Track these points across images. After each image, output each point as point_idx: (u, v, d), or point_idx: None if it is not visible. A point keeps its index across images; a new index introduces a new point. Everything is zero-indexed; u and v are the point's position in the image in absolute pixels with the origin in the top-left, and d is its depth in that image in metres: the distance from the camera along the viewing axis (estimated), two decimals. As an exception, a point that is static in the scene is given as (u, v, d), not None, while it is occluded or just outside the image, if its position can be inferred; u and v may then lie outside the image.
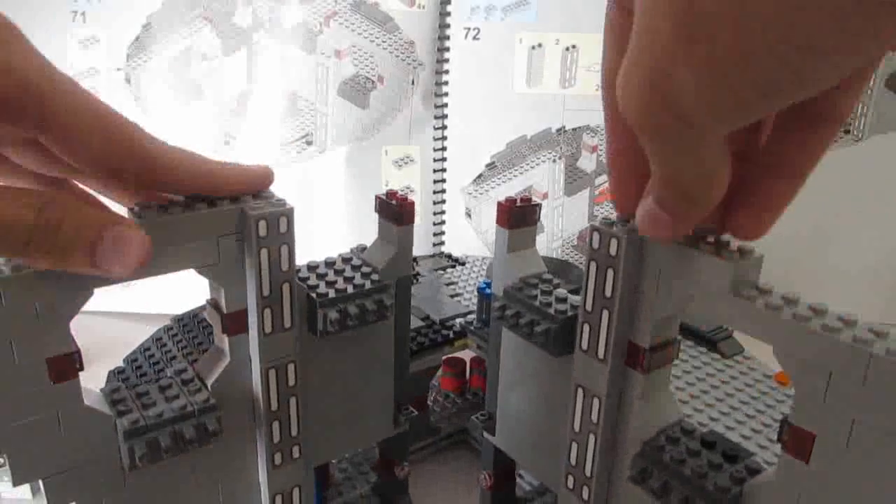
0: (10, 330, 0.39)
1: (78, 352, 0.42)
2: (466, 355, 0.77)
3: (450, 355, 0.74)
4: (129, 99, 1.02)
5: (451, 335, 0.71)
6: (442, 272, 0.87)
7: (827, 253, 1.07)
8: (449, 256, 0.93)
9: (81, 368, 0.43)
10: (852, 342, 0.34)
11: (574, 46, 1.02)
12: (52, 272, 0.39)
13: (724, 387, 0.64)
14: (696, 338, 0.72)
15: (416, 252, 0.60)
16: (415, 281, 0.82)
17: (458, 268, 0.89)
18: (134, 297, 1.03)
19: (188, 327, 0.75)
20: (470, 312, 0.74)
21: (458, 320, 0.73)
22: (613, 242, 0.43)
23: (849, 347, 0.34)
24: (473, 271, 0.88)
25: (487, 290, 0.64)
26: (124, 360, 0.74)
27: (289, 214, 0.46)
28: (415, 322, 0.71)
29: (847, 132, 1.03)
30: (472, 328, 0.70)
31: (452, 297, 0.79)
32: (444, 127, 1.06)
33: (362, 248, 0.59)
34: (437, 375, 0.79)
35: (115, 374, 0.71)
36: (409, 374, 0.62)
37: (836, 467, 0.36)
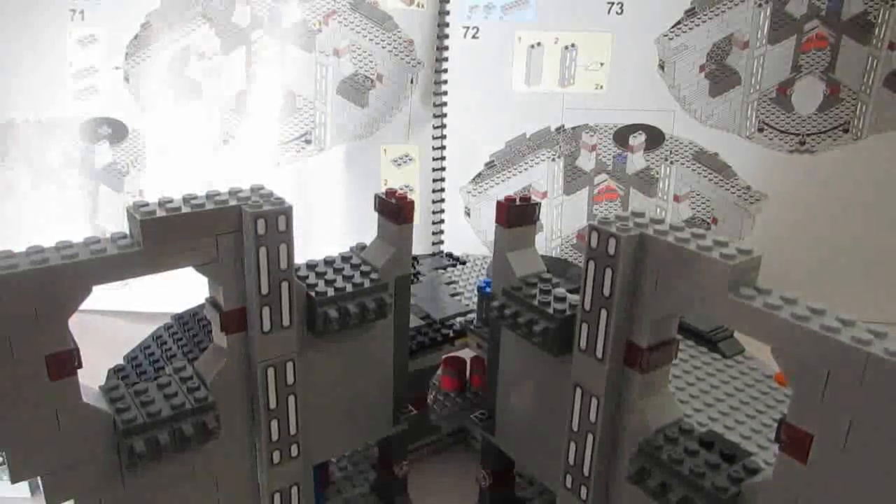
0: (7, 327, 0.39)
1: (76, 349, 0.42)
2: (467, 354, 0.77)
3: (450, 354, 0.74)
4: (127, 98, 1.02)
5: (452, 334, 0.71)
6: (443, 271, 0.87)
7: (826, 252, 1.07)
8: (450, 255, 0.93)
9: (80, 366, 0.43)
10: (851, 342, 0.34)
11: (573, 45, 1.02)
12: (51, 269, 0.39)
13: (725, 387, 0.64)
14: (696, 338, 0.72)
15: (415, 251, 0.60)
16: (415, 280, 0.82)
17: (459, 267, 0.89)
18: (134, 295, 1.03)
19: (189, 325, 0.75)
20: (470, 311, 0.74)
21: (458, 319, 0.73)
22: (612, 241, 0.43)
23: (847, 347, 0.34)
24: (474, 270, 0.88)
25: (487, 289, 0.64)
26: (124, 358, 0.74)
27: (287, 213, 0.46)
28: (415, 321, 0.71)
29: (846, 131, 1.03)
30: (472, 327, 0.70)
31: (453, 296, 0.79)
32: (443, 126, 1.06)
33: (362, 247, 0.59)
34: (437, 374, 0.79)
35: (115, 371, 0.71)
36: (408, 373, 0.62)
37: (833, 468, 0.36)
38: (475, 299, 0.74)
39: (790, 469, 0.38)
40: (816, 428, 0.36)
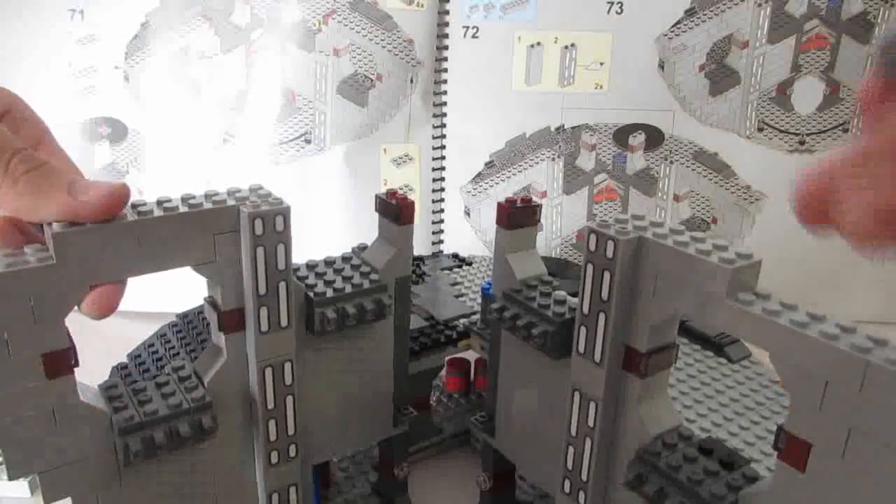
0: (4, 325, 0.39)
1: (73, 348, 0.42)
2: (472, 356, 0.77)
3: (454, 355, 0.74)
4: (127, 97, 1.02)
5: (455, 336, 0.71)
6: (448, 272, 0.87)
7: (826, 251, 1.06)
8: (455, 256, 0.93)
9: (77, 364, 0.42)
10: (850, 350, 0.33)
11: (573, 45, 1.02)
12: (48, 267, 0.39)
13: (729, 392, 0.64)
14: (702, 342, 0.72)
15: (414, 251, 0.60)
16: (420, 281, 0.82)
17: (465, 268, 0.88)
18: (136, 295, 1.02)
19: (193, 324, 0.75)
20: (475, 313, 0.74)
21: (462, 321, 0.73)
22: (610, 245, 0.43)
23: (846, 355, 0.33)
24: (479, 271, 0.88)
25: (490, 291, 0.64)
26: (128, 356, 0.74)
27: (285, 213, 0.46)
28: (418, 322, 0.70)
29: (846, 131, 1.03)
30: (475, 329, 0.70)
31: (457, 297, 0.79)
32: (442, 125, 1.05)
33: (363, 248, 0.59)
34: (441, 376, 0.79)
35: (118, 369, 0.72)
36: (408, 375, 0.62)
37: (831, 477, 0.35)
38: (480, 300, 0.74)
39: (789, 477, 0.37)
40: (815, 436, 0.36)
